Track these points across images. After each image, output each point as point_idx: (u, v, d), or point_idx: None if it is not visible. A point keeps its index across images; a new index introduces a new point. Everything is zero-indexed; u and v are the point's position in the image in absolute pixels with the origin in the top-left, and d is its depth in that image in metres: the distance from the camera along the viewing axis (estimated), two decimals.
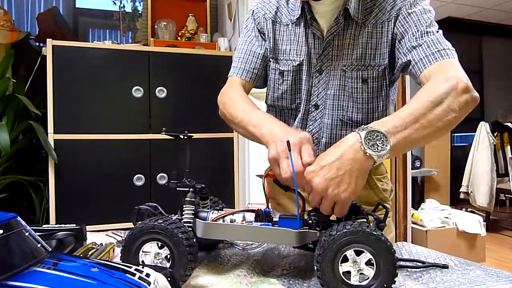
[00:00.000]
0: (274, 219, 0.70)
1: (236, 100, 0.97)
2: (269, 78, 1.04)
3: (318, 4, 0.93)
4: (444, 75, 0.77)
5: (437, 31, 0.86)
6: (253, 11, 1.06)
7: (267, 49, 1.03)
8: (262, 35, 1.04)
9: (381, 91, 0.95)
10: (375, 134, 0.67)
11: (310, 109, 0.99)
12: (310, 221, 0.68)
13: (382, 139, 0.66)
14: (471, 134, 4.20)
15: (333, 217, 0.70)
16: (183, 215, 0.72)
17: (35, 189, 2.22)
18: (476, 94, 0.77)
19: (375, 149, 0.66)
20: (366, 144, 0.66)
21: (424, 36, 0.85)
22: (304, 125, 1.00)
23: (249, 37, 1.05)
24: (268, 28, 1.02)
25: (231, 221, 0.71)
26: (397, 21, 0.89)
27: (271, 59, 1.02)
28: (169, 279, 0.50)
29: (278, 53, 1.01)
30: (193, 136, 0.77)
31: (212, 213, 0.73)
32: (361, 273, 0.61)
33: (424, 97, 0.73)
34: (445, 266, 0.77)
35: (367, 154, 0.66)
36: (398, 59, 0.89)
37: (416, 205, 3.42)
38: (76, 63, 1.94)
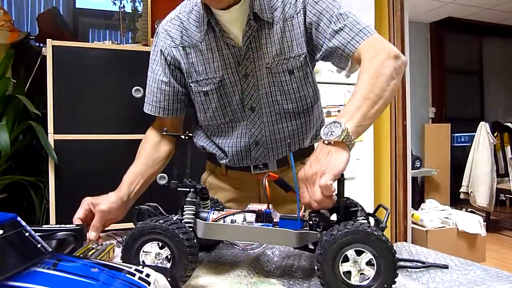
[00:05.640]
0: (274, 220, 0.70)
1: (141, 147, 1.08)
2: (195, 102, 1.04)
3: (226, 12, 0.93)
4: (373, 50, 0.85)
5: (349, 12, 0.92)
6: (161, 50, 1.02)
7: (183, 77, 1.02)
8: (174, 68, 1.02)
9: (307, 78, 1.00)
10: (330, 125, 0.74)
11: (247, 114, 1.01)
12: (311, 222, 0.68)
13: (336, 125, 0.73)
14: (471, 134, 4.20)
15: (333, 218, 0.70)
16: (183, 215, 0.72)
17: (35, 189, 2.22)
18: (404, 57, 0.87)
19: (331, 134, 0.72)
20: (324, 135, 0.73)
21: (341, 19, 0.90)
22: (248, 130, 1.02)
23: (156, 73, 1.03)
24: (181, 55, 1.00)
25: (232, 221, 0.71)
26: (307, 11, 0.94)
27: (191, 84, 1.02)
28: (169, 279, 0.50)
29: (197, 75, 1.00)
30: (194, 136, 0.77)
31: (213, 214, 0.73)
32: (361, 273, 0.61)
33: (365, 76, 0.81)
34: (445, 266, 0.77)
35: (326, 141, 0.72)
36: (322, 45, 0.93)
37: (416, 205, 3.42)
38: (76, 63, 1.94)
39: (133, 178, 1.00)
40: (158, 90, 1.04)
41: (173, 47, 1.01)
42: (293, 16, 0.95)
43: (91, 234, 0.88)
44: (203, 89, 1.00)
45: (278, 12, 0.95)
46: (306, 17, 0.94)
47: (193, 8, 1.00)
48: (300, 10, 0.94)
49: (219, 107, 1.01)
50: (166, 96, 1.03)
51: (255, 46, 0.96)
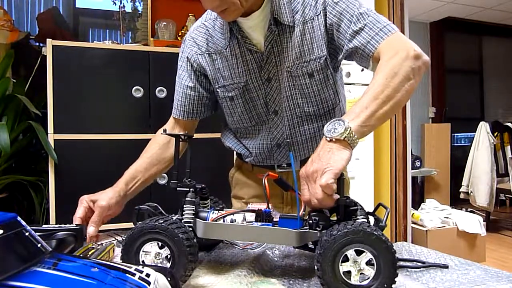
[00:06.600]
0: (274, 219, 0.70)
1: (148, 146, 1.08)
2: (223, 106, 1.07)
3: (247, 19, 0.94)
4: (392, 49, 0.82)
5: (370, 10, 0.90)
6: (187, 57, 1.05)
7: (208, 83, 1.05)
8: (200, 74, 1.04)
9: (328, 80, 1.00)
10: (334, 122, 0.74)
11: (271, 117, 1.03)
12: (311, 221, 0.68)
13: (339, 123, 0.73)
14: (471, 134, 4.20)
15: (333, 218, 0.70)
16: (183, 215, 0.72)
17: (35, 189, 2.22)
18: (426, 57, 0.83)
19: (333, 132, 0.72)
20: (327, 132, 0.73)
21: (361, 19, 0.88)
22: (270, 133, 1.04)
23: (182, 78, 1.06)
24: (207, 61, 1.02)
25: (232, 221, 0.71)
26: (327, 13, 0.93)
27: (218, 89, 1.04)
28: (169, 279, 0.50)
29: (224, 80, 1.02)
30: (193, 136, 0.77)
31: (213, 213, 0.73)
32: (361, 273, 0.61)
33: (379, 76, 0.79)
34: (445, 266, 0.77)
35: (328, 138, 0.72)
36: (343, 46, 0.92)
37: (416, 205, 3.42)
38: (76, 63, 1.94)
39: (133, 174, 1.01)
40: (183, 95, 1.06)
41: (199, 54, 1.03)
42: (313, 18, 0.94)
43: (90, 229, 0.87)
44: (229, 95, 1.02)
45: (299, 15, 0.95)
46: (327, 18, 0.93)
47: (218, 15, 1.00)
48: (320, 12, 0.93)
49: (244, 111, 1.03)
50: (191, 101, 1.06)
51: (277, 50, 0.96)
